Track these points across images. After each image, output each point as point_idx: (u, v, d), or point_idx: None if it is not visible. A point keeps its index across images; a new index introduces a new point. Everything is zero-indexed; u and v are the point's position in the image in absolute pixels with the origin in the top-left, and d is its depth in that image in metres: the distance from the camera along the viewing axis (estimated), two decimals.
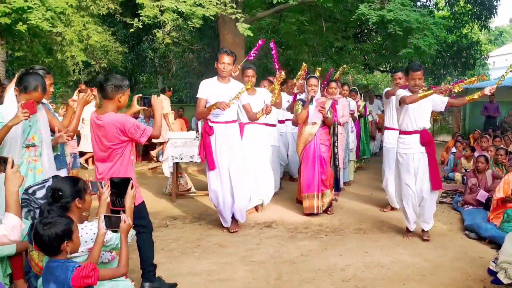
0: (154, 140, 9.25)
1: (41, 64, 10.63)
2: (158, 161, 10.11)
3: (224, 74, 5.18)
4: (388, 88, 6.51)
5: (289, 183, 8.23)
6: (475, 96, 4.92)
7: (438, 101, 5.01)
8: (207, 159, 5.29)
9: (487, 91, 4.78)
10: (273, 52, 6.50)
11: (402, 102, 4.91)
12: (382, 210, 6.49)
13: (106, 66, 12.72)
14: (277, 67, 6.26)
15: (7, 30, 8.55)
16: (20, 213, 2.56)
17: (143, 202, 3.75)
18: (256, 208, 6.36)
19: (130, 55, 16.02)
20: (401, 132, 5.13)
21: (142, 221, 3.67)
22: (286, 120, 7.76)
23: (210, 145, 5.25)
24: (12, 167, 2.57)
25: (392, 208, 6.40)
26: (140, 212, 3.61)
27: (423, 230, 5.24)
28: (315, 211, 6.08)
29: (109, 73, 2.81)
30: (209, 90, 5.21)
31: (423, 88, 5.07)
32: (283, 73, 5.78)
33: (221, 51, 5.25)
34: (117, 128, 3.46)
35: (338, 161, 6.63)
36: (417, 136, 4.98)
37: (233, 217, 5.50)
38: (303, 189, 6.15)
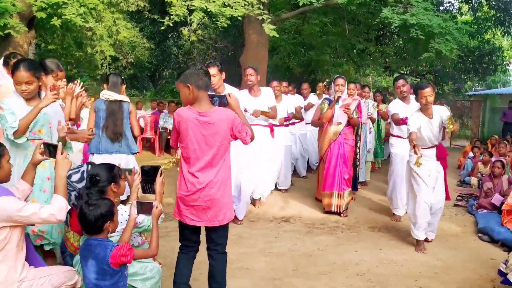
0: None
1: (71, 57, 11.02)
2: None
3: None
4: (392, 112, 6.11)
5: (301, 180, 8.52)
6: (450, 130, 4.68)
7: (445, 118, 4.79)
8: None
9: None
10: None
11: (396, 123, 5.41)
12: (394, 220, 6.24)
13: (132, 61, 13.05)
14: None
15: (40, 24, 8.89)
16: (67, 196, 2.80)
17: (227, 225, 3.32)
18: (254, 203, 6.55)
19: (156, 51, 16.34)
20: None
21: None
22: (295, 122, 8.07)
23: None
24: (62, 153, 2.82)
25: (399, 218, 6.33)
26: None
27: (426, 239, 5.17)
28: (334, 209, 6.22)
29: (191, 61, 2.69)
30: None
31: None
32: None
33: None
34: (228, 125, 3.10)
35: (359, 161, 6.77)
36: (434, 150, 4.98)
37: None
38: (324, 186, 6.29)
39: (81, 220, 2.76)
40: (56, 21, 7.56)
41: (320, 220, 6.07)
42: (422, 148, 4.85)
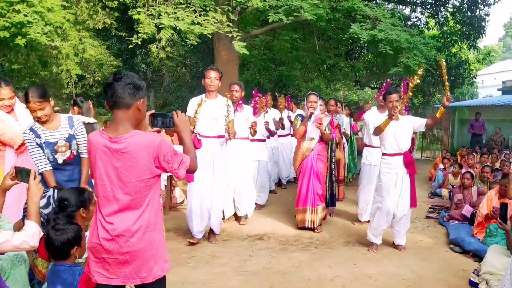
0: None
1: (36, 76, 10.78)
2: None
3: (211, 89, 5.40)
4: (369, 122, 6.39)
5: (277, 196, 8.50)
6: (442, 109, 5.07)
7: (417, 124, 5.27)
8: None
9: (446, 102, 4.94)
10: (256, 98, 7.02)
11: (375, 133, 5.31)
12: (354, 223, 6.69)
13: (99, 79, 12.88)
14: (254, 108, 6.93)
15: (4, 43, 8.69)
16: (39, 221, 2.71)
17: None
18: (239, 220, 6.61)
19: (124, 69, 16.18)
20: (384, 153, 5.31)
21: None
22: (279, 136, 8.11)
23: None
24: (34, 179, 2.72)
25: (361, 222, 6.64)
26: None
27: (399, 245, 5.50)
28: (307, 225, 6.19)
29: (118, 72, 2.36)
30: (196, 107, 5.42)
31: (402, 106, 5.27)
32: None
33: (208, 68, 5.51)
34: (149, 155, 2.33)
35: (334, 176, 6.80)
36: (400, 157, 5.20)
37: (210, 231, 5.71)
38: (297, 202, 6.28)
39: (47, 246, 2.70)
40: (20, 41, 7.42)
41: (294, 236, 6.02)
42: (388, 155, 5.24)
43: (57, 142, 3.86)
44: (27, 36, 7.33)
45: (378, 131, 5.17)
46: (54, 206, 3.01)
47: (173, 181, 7.44)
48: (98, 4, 10.03)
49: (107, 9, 10.02)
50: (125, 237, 2.35)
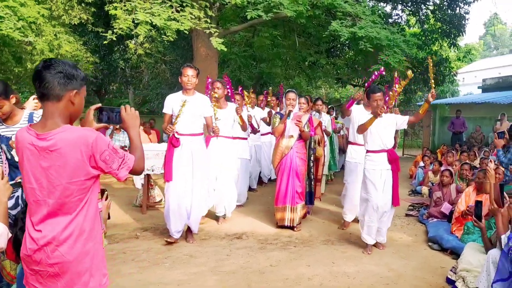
0: None
1: (10, 73, 10.50)
2: None
3: (188, 87, 5.29)
4: (355, 117, 6.01)
5: (256, 195, 8.40)
6: (425, 106, 5.10)
7: (400, 121, 5.27)
8: (165, 170, 5.41)
9: (430, 98, 4.95)
10: (228, 86, 6.78)
11: (359, 131, 5.28)
12: (341, 228, 6.37)
13: None
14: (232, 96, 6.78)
15: None
16: (7, 222, 2.58)
17: None
18: (217, 219, 6.52)
19: (101, 65, 15.89)
20: (368, 151, 5.29)
21: None
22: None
23: (172, 157, 5.34)
24: (2, 178, 2.59)
25: (347, 224, 6.45)
26: None
27: (378, 243, 5.45)
28: (287, 224, 6.13)
29: (49, 59, 2.04)
30: (174, 104, 5.32)
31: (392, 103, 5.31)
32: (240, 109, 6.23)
33: (184, 65, 5.39)
34: (83, 154, 2.04)
35: (313, 174, 6.74)
36: (385, 154, 5.19)
37: (188, 230, 5.60)
38: (276, 201, 6.22)
39: (15, 248, 2.59)
40: None
41: (273, 235, 5.95)
42: (372, 152, 5.23)
43: (11, 137, 3.71)
44: None
45: (362, 129, 5.15)
46: (22, 207, 2.88)
47: (150, 180, 7.32)
48: None
49: (83, 4, 9.79)
50: (53, 246, 2.06)
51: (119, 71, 19.14)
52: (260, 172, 9.27)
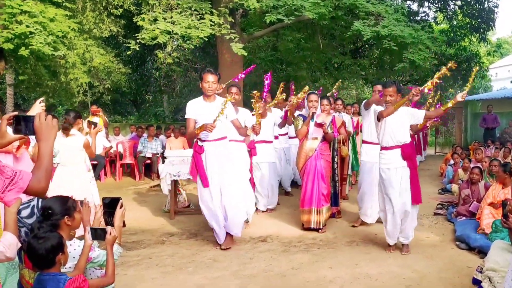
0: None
1: (45, 87, 10.91)
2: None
3: (209, 93, 5.34)
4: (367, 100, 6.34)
5: (285, 198, 8.37)
6: (449, 104, 5.04)
7: (415, 115, 5.12)
8: (201, 178, 5.41)
9: (459, 98, 4.88)
10: (267, 82, 6.66)
11: (380, 116, 5.04)
12: (352, 225, 6.46)
13: (110, 86, 13.00)
14: (264, 95, 6.56)
15: (12, 55, 8.82)
16: (17, 232, 2.69)
17: None
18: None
19: (134, 75, 16.30)
20: (382, 148, 5.19)
21: None
22: (280, 135, 7.94)
23: (202, 164, 5.39)
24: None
25: (362, 223, 6.46)
26: None
27: (402, 245, 5.30)
28: (312, 226, 6.12)
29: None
30: (195, 110, 5.39)
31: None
32: (261, 104, 5.82)
33: (205, 71, 5.41)
34: None
35: (338, 176, 6.73)
36: (398, 150, 5.06)
37: (228, 234, 5.57)
38: (302, 203, 6.22)
39: (30, 255, 2.66)
40: (24, 51, 7.50)
41: (297, 238, 5.97)
42: (385, 149, 5.13)
43: None
44: (30, 47, 7.40)
45: (388, 112, 4.92)
46: (38, 216, 3.00)
47: (178, 185, 7.47)
48: (103, 12, 10.12)
49: (112, 17, 10.10)
50: None
51: (152, 80, 19.54)
52: (294, 176, 9.17)
